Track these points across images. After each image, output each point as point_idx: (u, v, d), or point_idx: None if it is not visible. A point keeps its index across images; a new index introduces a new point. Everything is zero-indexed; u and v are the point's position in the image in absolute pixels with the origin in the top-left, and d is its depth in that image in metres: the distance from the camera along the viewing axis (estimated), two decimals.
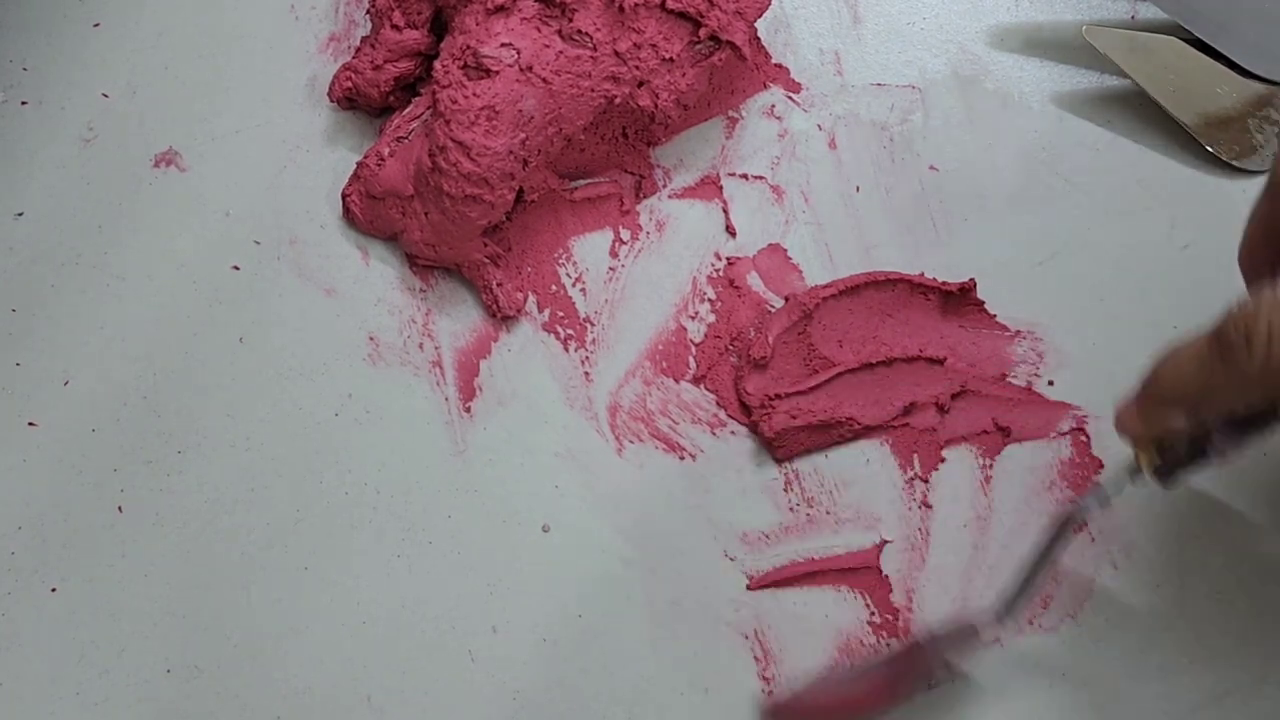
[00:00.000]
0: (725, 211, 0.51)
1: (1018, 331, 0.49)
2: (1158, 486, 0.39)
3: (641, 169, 0.51)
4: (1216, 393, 0.35)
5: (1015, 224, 0.51)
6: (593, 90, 0.47)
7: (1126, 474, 0.40)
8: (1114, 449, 0.47)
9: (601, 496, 0.46)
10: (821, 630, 0.44)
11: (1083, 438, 0.47)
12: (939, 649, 0.42)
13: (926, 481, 0.46)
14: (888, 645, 0.44)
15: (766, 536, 0.46)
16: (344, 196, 0.49)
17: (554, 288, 0.49)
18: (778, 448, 0.47)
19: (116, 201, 0.50)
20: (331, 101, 0.51)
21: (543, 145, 0.47)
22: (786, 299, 0.49)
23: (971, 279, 0.48)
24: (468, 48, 0.46)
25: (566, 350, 0.48)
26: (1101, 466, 0.47)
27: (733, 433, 0.47)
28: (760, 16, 0.50)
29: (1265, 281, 0.34)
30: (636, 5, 0.47)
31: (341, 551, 0.45)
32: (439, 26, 0.50)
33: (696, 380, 0.48)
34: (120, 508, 0.45)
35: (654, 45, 0.47)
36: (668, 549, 0.45)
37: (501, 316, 0.48)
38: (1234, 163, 0.51)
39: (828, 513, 0.46)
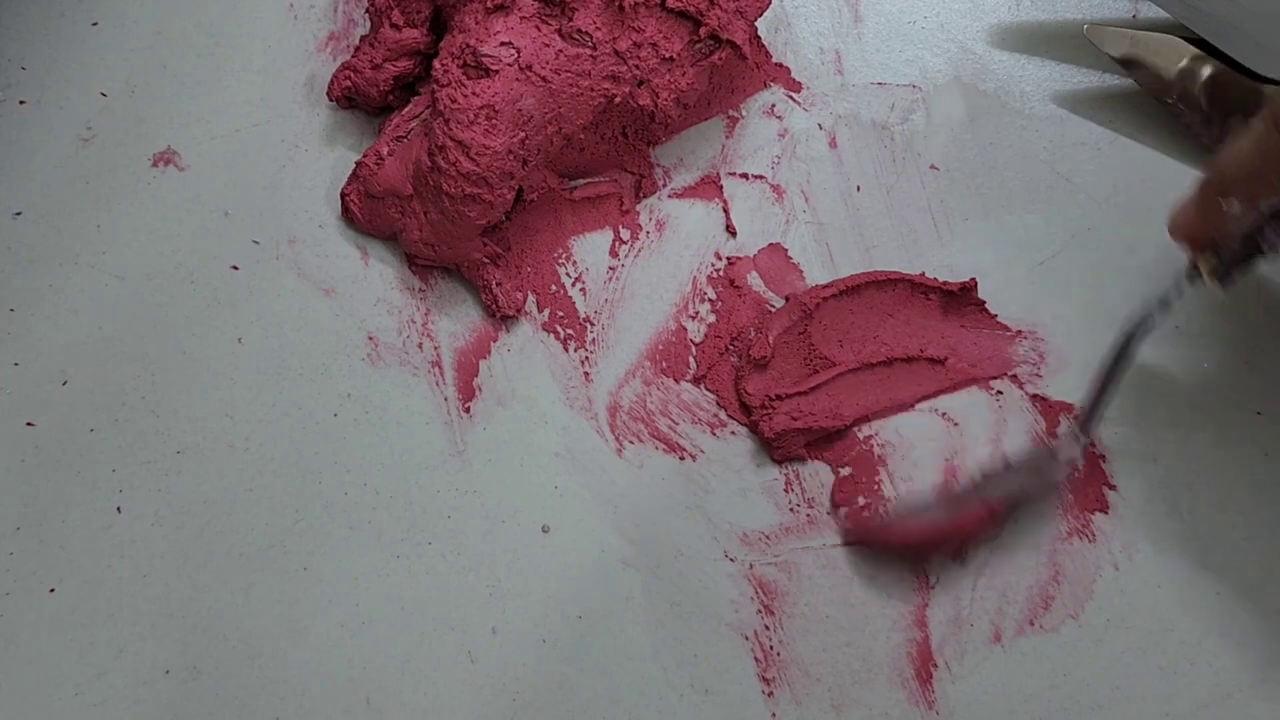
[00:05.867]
0: (725, 211, 0.51)
1: (1018, 331, 0.49)
2: (1215, 288, 0.41)
3: (641, 169, 0.51)
4: (1274, 169, 0.37)
5: (1015, 224, 0.51)
6: (592, 89, 0.47)
7: (1186, 279, 0.42)
8: (1114, 448, 0.47)
9: (601, 496, 0.46)
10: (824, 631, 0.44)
11: (1084, 437, 0.47)
12: (1019, 477, 0.44)
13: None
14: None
15: (766, 536, 0.46)
16: (343, 196, 0.49)
17: (554, 288, 0.49)
18: (777, 449, 0.46)
19: (115, 201, 0.49)
20: (330, 100, 0.51)
21: (542, 145, 0.47)
22: (787, 299, 0.49)
23: (972, 279, 0.48)
24: (467, 46, 0.46)
25: (566, 350, 0.48)
26: (1104, 459, 0.46)
27: (733, 433, 0.47)
28: (760, 15, 0.50)
29: None
30: (636, 4, 0.46)
31: (341, 552, 0.45)
32: (438, 25, 0.50)
33: (696, 380, 0.48)
34: (119, 508, 0.45)
35: (654, 44, 0.47)
36: (668, 549, 0.45)
37: (501, 316, 0.48)
38: None
39: (828, 513, 0.46)
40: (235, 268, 0.49)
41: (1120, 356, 0.43)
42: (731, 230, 0.50)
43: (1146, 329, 0.43)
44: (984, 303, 0.49)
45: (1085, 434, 0.43)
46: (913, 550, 0.45)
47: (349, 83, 0.50)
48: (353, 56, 0.51)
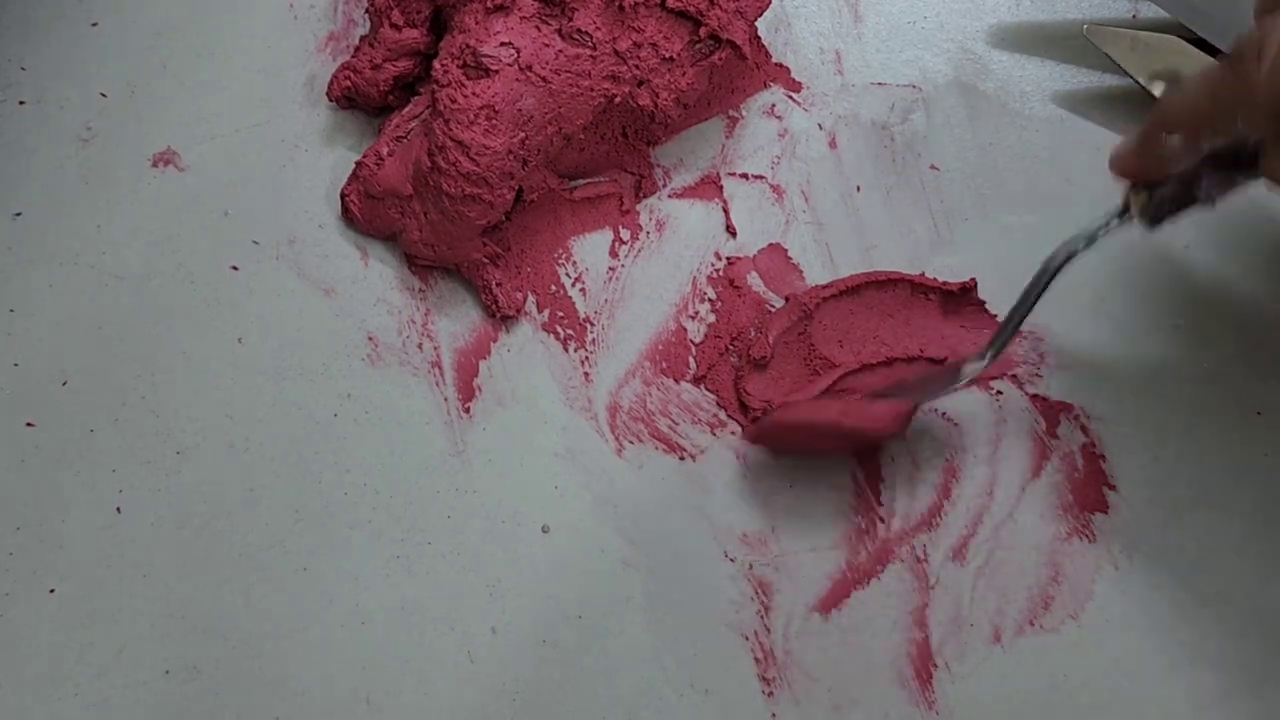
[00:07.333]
0: (725, 211, 0.51)
1: (1018, 331, 0.48)
2: (1144, 228, 0.41)
3: (641, 169, 0.51)
4: (1223, 110, 0.37)
5: (1015, 224, 0.51)
6: (592, 89, 0.47)
7: (1115, 215, 0.42)
8: (1114, 448, 0.47)
9: (601, 496, 0.46)
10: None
11: (1084, 437, 0.47)
12: (925, 384, 0.45)
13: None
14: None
15: (767, 537, 0.46)
16: (343, 196, 0.49)
17: (554, 288, 0.49)
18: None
19: (114, 201, 0.49)
20: (330, 101, 0.51)
21: (542, 145, 0.47)
22: (787, 299, 0.49)
23: (972, 279, 0.48)
24: (467, 47, 0.46)
25: (566, 350, 0.48)
26: (1104, 459, 0.46)
27: (733, 433, 0.47)
28: (760, 15, 0.50)
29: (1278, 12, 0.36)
30: (636, 4, 0.46)
31: (341, 552, 0.45)
32: (438, 25, 0.50)
33: (696, 380, 0.48)
34: (119, 508, 0.45)
35: (654, 44, 0.47)
36: (668, 549, 0.45)
37: (501, 316, 0.48)
38: None
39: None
40: (235, 268, 0.49)
41: (1040, 283, 0.43)
42: (731, 230, 0.50)
43: (1068, 258, 0.43)
44: (984, 303, 0.49)
45: (993, 352, 0.44)
46: (808, 435, 0.45)
47: (349, 83, 0.50)
48: (353, 56, 0.51)
